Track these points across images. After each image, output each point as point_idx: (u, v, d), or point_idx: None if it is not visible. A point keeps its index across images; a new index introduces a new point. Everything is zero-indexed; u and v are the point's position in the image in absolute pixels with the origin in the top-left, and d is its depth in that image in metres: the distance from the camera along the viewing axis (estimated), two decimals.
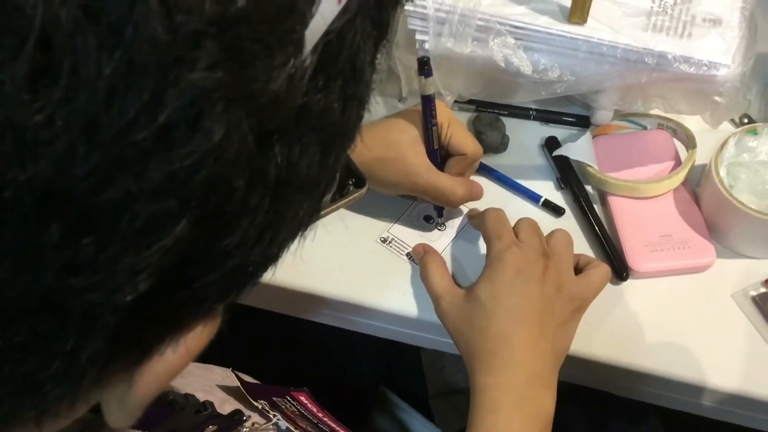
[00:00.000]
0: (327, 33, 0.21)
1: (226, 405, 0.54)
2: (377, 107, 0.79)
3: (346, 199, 0.34)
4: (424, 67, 0.63)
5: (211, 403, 0.50)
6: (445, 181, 0.67)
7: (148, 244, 0.19)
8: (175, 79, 0.17)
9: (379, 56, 0.24)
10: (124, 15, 0.16)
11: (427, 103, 0.65)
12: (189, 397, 0.48)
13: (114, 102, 0.17)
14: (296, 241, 0.25)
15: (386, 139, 0.66)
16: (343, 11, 0.21)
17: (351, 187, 0.35)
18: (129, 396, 0.25)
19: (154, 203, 0.18)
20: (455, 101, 0.78)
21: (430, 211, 0.73)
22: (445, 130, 0.67)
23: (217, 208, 0.20)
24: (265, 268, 0.25)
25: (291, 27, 0.19)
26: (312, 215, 0.25)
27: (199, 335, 0.25)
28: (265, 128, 0.20)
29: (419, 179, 0.66)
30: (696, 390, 0.64)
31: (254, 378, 0.66)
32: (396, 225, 0.72)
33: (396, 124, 0.68)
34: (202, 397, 0.52)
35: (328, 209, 0.29)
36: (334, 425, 0.62)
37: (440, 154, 0.68)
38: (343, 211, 0.72)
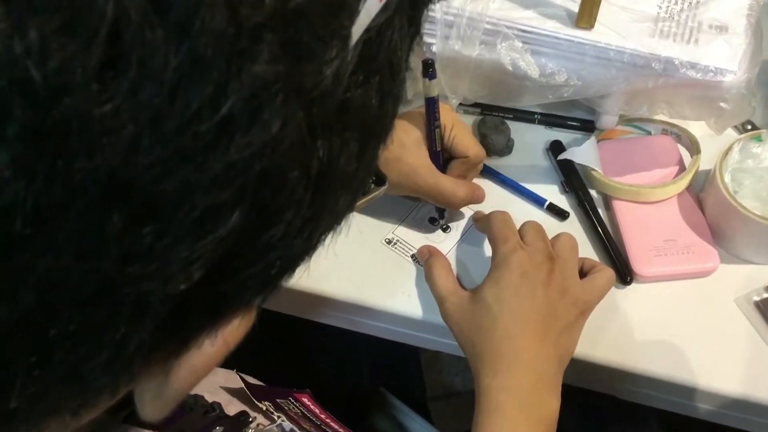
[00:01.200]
0: (368, 30, 0.21)
1: (231, 406, 0.54)
2: None
3: (368, 197, 0.34)
4: (428, 69, 0.63)
5: (219, 404, 0.50)
6: (446, 183, 0.67)
7: (203, 234, 0.19)
8: (237, 71, 0.18)
9: (413, 54, 0.25)
10: (191, 9, 0.17)
11: (431, 105, 0.65)
12: (198, 398, 0.48)
13: (179, 94, 0.17)
14: (330, 236, 0.26)
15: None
16: (384, 9, 0.21)
17: (372, 185, 0.35)
18: (165, 388, 0.25)
19: (212, 194, 0.19)
20: (461, 104, 0.78)
21: (435, 213, 0.73)
22: (449, 132, 0.68)
23: (267, 200, 0.20)
24: (302, 262, 0.25)
25: (341, 22, 0.20)
26: (349, 209, 0.25)
27: (237, 328, 0.25)
28: (313, 122, 0.20)
29: (421, 180, 0.67)
30: (698, 394, 0.64)
31: (255, 379, 0.66)
32: (401, 227, 0.72)
33: (399, 126, 0.68)
34: (208, 398, 0.52)
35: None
36: (337, 427, 0.62)
37: (443, 157, 0.68)
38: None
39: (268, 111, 0.19)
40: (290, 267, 0.25)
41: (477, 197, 0.70)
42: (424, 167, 0.67)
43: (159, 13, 0.16)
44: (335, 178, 0.23)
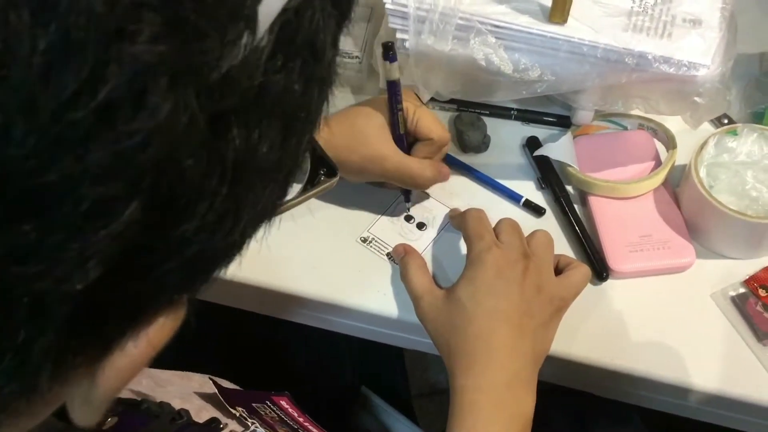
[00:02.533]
0: (284, 11, 0.20)
1: (203, 413, 0.53)
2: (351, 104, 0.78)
3: (317, 189, 0.33)
4: (388, 51, 0.63)
5: (187, 411, 0.49)
6: (412, 164, 0.67)
7: (95, 229, 0.18)
8: (116, 53, 0.17)
9: (342, 37, 0.24)
10: None
11: (393, 87, 0.66)
12: (164, 406, 0.47)
13: (51, 79, 0.16)
14: (262, 230, 0.25)
15: (353, 126, 0.67)
16: None
17: (322, 177, 0.34)
18: (92, 393, 0.24)
19: (100, 186, 0.18)
20: (436, 101, 0.78)
21: (411, 212, 0.72)
22: (411, 115, 0.68)
23: (170, 191, 0.19)
24: (228, 258, 0.24)
25: (240, 1, 0.19)
26: (276, 202, 0.24)
27: (161, 328, 0.24)
28: (219, 108, 0.19)
29: (387, 163, 0.67)
30: (676, 390, 0.64)
31: (235, 381, 0.65)
32: (376, 225, 0.72)
33: (362, 111, 0.68)
34: (178, 405, 0.51)
35: (299, 199, 0.28)
36: (315, 430, 0.61)
37: (407, 140, 0.68)
38: (323, 211, 0.71)
39: (153, 95, 0.18)
40: (214, 263, 0.24)
41: (443, 175, 0.70)
42: (389, 151, 0.67)
43: None
44: (255, 169, 0.22)
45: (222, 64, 0.19)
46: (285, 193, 0.25)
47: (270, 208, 0.24)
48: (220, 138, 0.20)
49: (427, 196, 0.73)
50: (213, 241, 0.22)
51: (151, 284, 0.22)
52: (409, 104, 0.67)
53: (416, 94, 0.71)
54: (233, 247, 0.24)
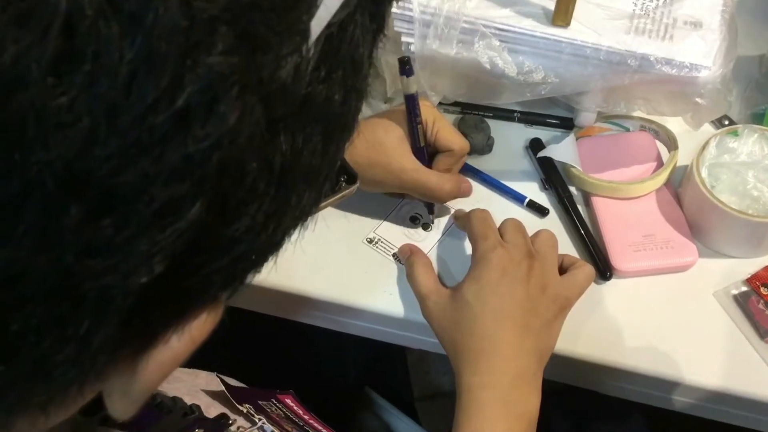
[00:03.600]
0: (329, 25, 0.21)
1: (211, 409, 0.54)
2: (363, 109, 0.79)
3: (339, 195, 0.34)
4: (405, 66, 0.64)
5: (198, 407, 0.50)
6: (431, 178, 0.67)
7: (163, 226, 0.19)
8: (192, 64, 0.18)
9: (376, 50, 0.25)
10: (145, 2, 0.17)
11: (410, 101, 0.66)
12: (176, 400, 0.48)
13: (134, 86, 0.17)
14: (297, 232, 0.26)
15: (372, 139, 0.67)
16: (344, 5, 0.22)
17: (343, 184, 0.35)
18: (133, 385, 0.25)
19: (171, 186, 0.19)
20: (441, 103, 0.79)
21: (416, 212, 0.73)
22: (431, 127, 0.68)
23: (228, 192, 0.21)
24: (268, 257, 0.26)
25: (298, 16, 0.20)
26: (313, 205, 0.26)
27: (203, 323, 0.25)
28: (272, 115, 0.21)
29: (406, 176, 0.67)
30: (679, 387, 0.65)
31: (240, 380, 0.66)
32: (382, 226, 0.72)
33: (381, 124, 0.68)
34: (188, 401, 0.52)
35: (322, 205, 0.29)
36: (320, 427, 0.62)
37: (427, 152, 0.69)
38: (329, 213, 0.72)
39: (224, 103, 0.19)
40: (256, 262, 0.25)
41: (464, 190, 0.70)
42: (408, 163, 0.67)
43: (113, 6, 0.17)
44: (299, 173, 0.23)
45: (279, 74, 0.20)
46: (321, 198, 0.26)
47: (307, 210, 0.26)
48: (270, 143, 0.21)
49: (448, 209, 0.73)
50: (258, 240, 0.23)
51: (200, 281, 0.23)
52: (428, 115, 0.68)
53: (428, 99, 0.71)
54: (274, 247, 0.25)
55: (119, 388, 0.25)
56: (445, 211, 0.73)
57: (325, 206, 0.31)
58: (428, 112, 0.68)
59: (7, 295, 0.18)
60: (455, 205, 0.73)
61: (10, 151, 0.16)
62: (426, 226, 0.73)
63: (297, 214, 0.25)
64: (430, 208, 0.72)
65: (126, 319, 0.21)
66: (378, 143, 0.67)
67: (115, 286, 0.20)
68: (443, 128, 0.68)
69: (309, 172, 0.24)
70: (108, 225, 0.18)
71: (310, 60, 0.21)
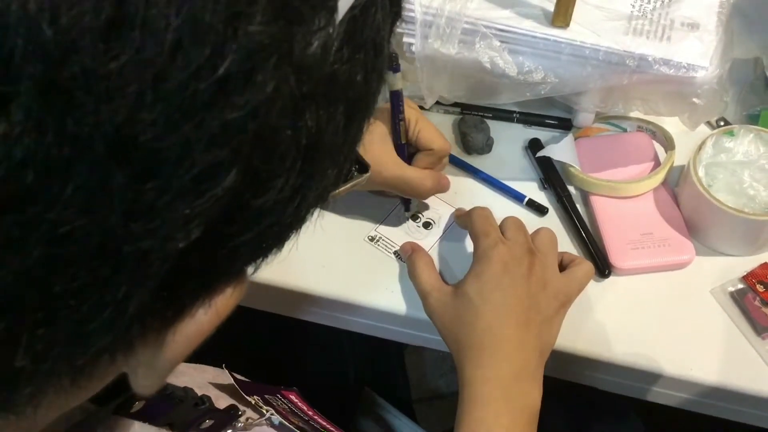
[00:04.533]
0: (353, 7, 0.22)
1: (220, 401, 0.55)
2: None
3: (352, 183, 0.35)
4: (392, 62, 0.64)
5: (209, 398, 0.50)
6: (412, 174, 0.68)
7: (202, 192, 0.20)
8: (233, 33, 0.19)
9: (394, 34, 0.26)
10: None
11: (395, 98, 0.67)
12: (188, 391, 0.48)
13: (179, 53, 0.18)
14: (317, 212, 0.27)
15: None
16: None
17: (355, 173, 0.36)
18: (158, 358, 0.26)
19: (210, 152, 0.20)
20: (441, 104, 0.80)
21: (417, 210, 0.74)
22: (413, 125, 0.69)
23: (260, 163, 0.21)
24: (291, 233, 0.26)
25: None
26: (334, 184, 0.26)
27: (229, 297, 0.26)
28: (301, 90, 0.21)
29: (387, 173, 0.68)
30: (676, 383, 0.66)
31: (242, 377, 0.67)
32: (383, 224, 0.73)
33: None
34: (197, 392, 0.52)
35: (337, 192, 0.30)
36: (325, 423, 0.63)
37: (408, 150, 0.70)
38: (331, 211, 0.73)
39: (262, 72, 0.20)
40: (281, 237, 0.26)
41: (443, 186, 0.71)
42: (390, 160, 0.68)
43: None
44: (323, 149, 0.24)
45: (308, 49, 0.21)
46: (341, 178, 0.27)
47: (329, 189, 0.26)
48: (299, 118, 0.22)
49: (427, 206, 0.74)
50: (284, 215, 0.24)
51: (229, 253, 0.24)
52: (410, 114, 0.68)
53: (419, 105, 0.72)
54: (297, 223, 0.26)
55: (145, 362, 0.26)
56: (442, 211, 0.74)
57: (339, 193, 0.32)
58: (411, 110, 0.69)
59: (52, 256, 0.19)
60: (455, 203, 0.74)
61: (62, 114, 0.17)
62: (427, 225, 0.73)
63: (320, 191, 0.25)
64: (407, 205, 0.73)
65: (158, 289, 0.22)
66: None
67: (154, 250, 0.20)
68: (425, 127, 0.69)
69: (332, 150, 0.24)
70: (151, 188, 0.19)
71: (335, 39, 0.22)
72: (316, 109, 0.22)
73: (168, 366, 0.26)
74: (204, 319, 0.25)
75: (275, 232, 0.25)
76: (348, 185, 0.35)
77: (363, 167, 0.36)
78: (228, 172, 0.20)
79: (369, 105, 0.26)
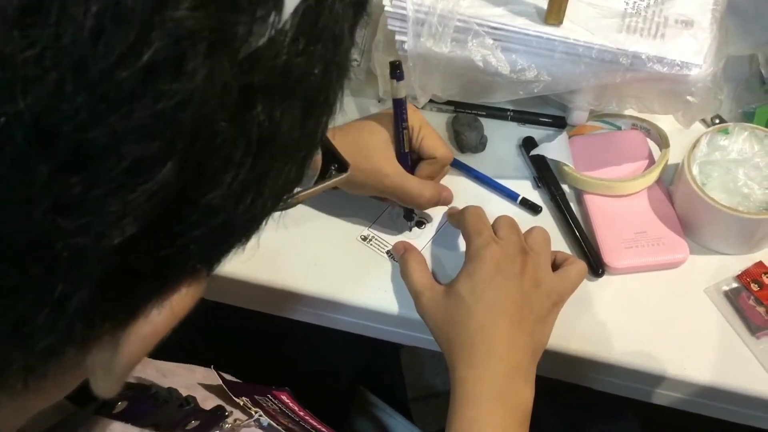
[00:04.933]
0: None
1: (208, 402, 0.54)
2: (351, 111, 0.80)
3: (329, 182, 0.34)
4: (396, 70, 0.64)
5: (194, 398, 0.50)
6: (413, 184, 0.67)
7: (134, 186, 0.19)
8: (160, 18, 0.18)
9: (359, 27, 0.25)
10: None
11: (399, 106, 0.66)
12: (172, 392, 0.48)
13: (101, 40, 0.17)
14: (278, 213, 0.26)
15: (357, 140, 0.67)
16: None
17: (333, 172, 0.35)
18: (115, 361, 0.25)
19: (140, 144, 0.19)
20: (434, 102, 0.79)
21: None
22: (417, 133, 0.68)
23: (203, 157, 0.21)
24: (248, 232, 0.26)
25: None
26: (294, 182, 0.26)
27: (184, 297, 0.25)
28: (247, 82, 0.21)
29: (387, 181, 0.67)
30: (671, 383, 0.65)
31: (234, 378, 0.66)
32: (376, 223, 0.73)
33: (367, 127, 0.69)
34: (184, 393, 0.52)
35: (311, 191, 0.30)
36: (316, 423, 0.62)
37: (411, 158, 0.69)
38: (323, 210, 0.73)
39: (191, 60, 0.19)
40: (235, 235, 0.25)
41: (444, 198, 0.70)
42: (391, 168, 0.67)
43: None
44: (277, 146, 0.23)
45: (251, 40, 0.20)
46: (302, 176, 0.26)
47: (288, 187, 0.26)
48: (246, 111, 0.21)
49: (430, 217, 0.73)
50: (236, 212, 0.23)
51: (178, 251, 0.23)
52: (414, 122, 0.68)
53: (413, 103, 0.71)
54: (253, 222, 0.25)
55: (102, 364, 0.26)
56: (426, 217, 0.74)
57: (315, 193, 0.31)
58: (415, 118, 0.68)
59: None
60: (434, 209, 0.73)
61: None
62: (420, 224, 0.73)
63: (278, 189, 0.25)
64: (409, 215, 0.72)
65: (104, 288, 0.21)
66: (363, 146, 0.67)
67: (87, 246, 0.20)
68: (428, 135, 0.69)
69: (288, 146, 0.24)
70: (78, 182, 0.18)
71: (287, 31, 0.21)
72: (269, 102, 0.22)
73: (125, 367, 0.26)
74: (158, 319, 0.25)
75: (228, 230, 0.24)
76: (326, 184, 0.34)
77: (342, 166, 0.35)
78: (162, 165, 0.20)
79: (329, 99, 0.25)
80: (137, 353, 0.26)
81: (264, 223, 0.26)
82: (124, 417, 0.43)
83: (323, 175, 0.34)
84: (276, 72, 0.21)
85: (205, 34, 0.19)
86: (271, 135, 0.22)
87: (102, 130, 0.18)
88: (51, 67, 0.17)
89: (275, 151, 0.23)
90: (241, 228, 0.25)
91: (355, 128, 0.69)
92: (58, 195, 0.18)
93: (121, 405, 0.43)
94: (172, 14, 0.18)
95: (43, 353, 0.22)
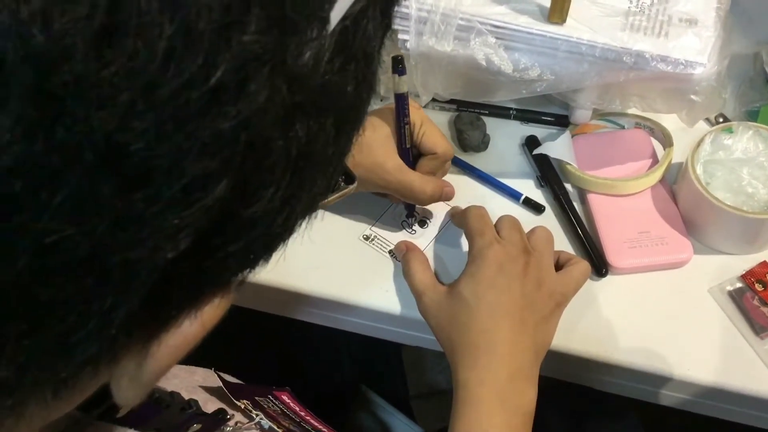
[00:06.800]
0: (344, 18, 0.22)
1: (209, 404, 0.54)
2: None
3: (337, 194, 0.35)
4: (398, 65, 0.64)
5: (196, 402, 0.50)
6: (414, 179, 0.67)
7: (191, 202, 0.20)
8: (227, 42, 0.18)
9: (384, 45, 0.25)
10: None
11: (400, 101, 0.66)
12: (174, 395, 0.48)
13: (172, 62, 0.18)
14: (305, 222, 0.26)
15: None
16: (358, 0, 0.22)
17: (342, 183, 0.35)
18: (142, 370, 0.25)
19: (201, 162, 0.19)
20: (436, 101, 0.79)
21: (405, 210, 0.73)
22: (418, 129, 0.68)
23: (250, 173, 0.21)
24: (279, 244, 0.26)
25: (321, 4, 0.21)
26: (323, 194, 0.26)
27: (215, 308, 0.26)
28: (293, 101, 0.21)
29: (389, 176, 0.67)
30: (674, 383, 0.65)
31: (236, 377, 0.66)
32: (378, 223, 0.72)
33: (368, 122, 0.68)
34: (186, 396, 0.52)
35: (324, 202, 0.30)
36: (317, 424, 0.62)
37: (412, 153, 0.69)
38: (325, 210, 0.72)
39: (255, 82, 0.19)
40: (269, 248, 0.25)
41: (446, 194, 0.70)
42: (392, 163, 0.67)
43: None
44: (313, 160, 0.23)
45: (301, 59, 0.21)
46: (330, 189, 0.27)
47: (318, 199, 0.26)
48: (289, 129, 0.22)
49: (430, 212, 0.73)
50: (273, 225, 0.24)
51: (216, 263, 0.23)
52: (415, 117, 0.68)
53: (416, 101, 0.71)
54: (285, 234, 0.26)
55: (129, 372, 0.26)
56: (426, 212, 0.73)
57: (326, 204, 0.31)
58: (416, 113, 0.68)
59: (39, 266, 0.18)
60: (450, 202, 0.73)
61: (53, 121, 0.17)
62: (423, 223, 0.73)
63: (309, 202, 0.25)
64: (410, 210, 0.72)
65: (146, 299, 0.21)
66: (364, 142, 0.67)
67: (141, 260, 0.20)
68: (429, 131, 0.68)
69: (321, 161, 0.24)
70: (140, 198, 0.19)
71: (326, 50, 0.22)
72: (307, 119, 0.22)
73: (152, 378, 0.26)
74: (190, 330, 0.25)
75: (264, 243, 0.25)
76: (335, 196, 0.34)
77: (350, 178, 0.35)
78: (218, 183, 0.20)
79: (359, 116, 0.26)
80: (166, 363, 0.26)
81: (294, 234, 0.27)
82: (128, 422, 0.43)
83: (331, 187, 0.34)
84: (315, 90, 0.22)
85: (268, 57, 0.19)
86: (309, 151, 0.23)
87: (167, 148, 0.19)
88: (124, 87, 0.17)
89: (311, 166, 0.24)
90: (274, 240, 0.25)
91: None
92: (120, 210, 0.19)
93: (124, 409, 0.43)
94: (239, 37, 0.19)
95: (83, 364, 0.22)
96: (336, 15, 0.22)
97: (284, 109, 0.21)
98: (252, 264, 0.26)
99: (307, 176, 0.24)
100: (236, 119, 0.19)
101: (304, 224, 0.26)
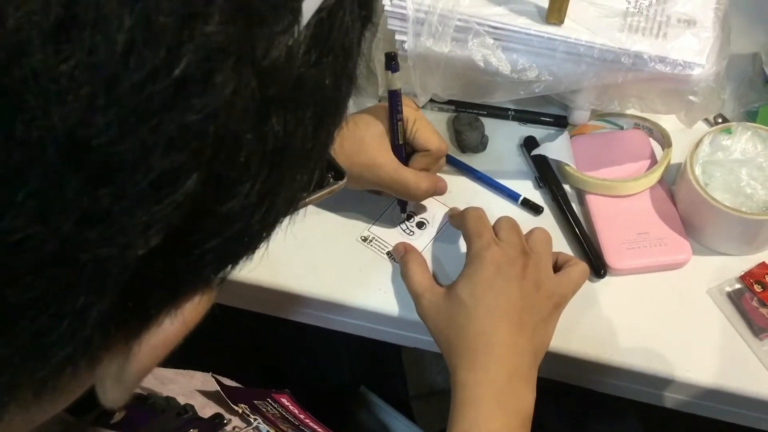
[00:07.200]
0: (319, 10, 0.22)
1: (206, 409, 0.54)
2: (350, 109, 0.79)
3: (326, 191, 0.34)
4: (391, 61, 0.64)
5: (192, 406, 0.50)
6: (408, 176, 0.67)
7: (160, 198, 0.20)
8: (190, 34, 0.18)
9: (365, 38, 0.25)
10: None
11: (393, 98, 0.66)
12: (170, 400, 0.48)
13: (132, 56, 0.17)
14: (288, 218, 0.26)
15: (352, 134, 0.67)
16: None
17: (330, 180, 0.35)
18: (126, 370, 0.25)
19: (168, 156, 0.19)
20: (434, 101, 0.79)
21: (411, 210, 0.73)
22: (411, 125, 0.68)
23: (223, 168, 0.21)
24: (259, 241, 0.26)
25: None
26: (304, 190, 0.26)
27: (196, 306, 0.25)
28: (265, 94, 0.21)
29: (383, 173, 0.67)
30: (673, 385, 0.65)
31: (235, 380, 0.66)
32: (376, 224, 0.72)
33: (362, 120, 0.68)
34: (183, 401, 0.52)
35: (309, 200, 0.30)
36: (316, 426, 0.62)
37: (405, 150, 0.69)
38: (323, 211, 0.72)
39: (220, 74, 0.19)
40: (249, 245, 0.25)
41: (439, 188, 0.70)
42: (386, 160, 0.67)
43: None
44: (291, 155, 0.23)
45: (272, 52, 0.20)
46: (310, 185, 0.26)
47: (298, 196, 0.26)
48: (263, 123, 0.21)
49: (424, 208, 0.74)
50: (251, 221, 0.23)
51: (194, 261, 0.23)
52: (409, 114, 0.68)
53: (413, 101, 0.71)
54: (265, 231, 0.25)
55: (112, 373, 0.25)
56: (419, 208, 0.73)
57: (313, 201, 0.31)
58: (409, 110, 0.68)
59: (4, 265, 0.18)
60: (448, 203, 0.73)
61: (11, 118, 0.17)
62: (421, 225, 0.73)
63: (289, 198, 0.25)
64: (403, 207, 0.72)
65: (121, 298, 0.21)
66: (358, 139, 0.67)
67: (111, 257, 0.20)
68: (423, 128, 0.69)
69: (301, 155, 0.24)
70: (106, 194, 0.18)
71: (301, 43, 0.21)
72: (283, 113, 0.22)
73: (135, 377, 0.26)
74: (171, 328, 0.25)
75: (243, 240, 0.24)
76: (323, 192, 0.34)
77: (339, 174, 0.35)
78: (188, 177, 0.20)
79: (339, 109, 0.25)
80: (149, 363, 0.26)
81: (273, 232, 0.26)
82: (122, 427, 0.42)
83: (320, 184, 0.34)
84: (290, 83, 0.22)
85: (233, 49, 0.19)
86: (285, 145, 0.23)
87: (131, 143, 0.18)
88: (84, 81, 0.17)
89: (289, 161, 0.23)
90: (254, 237, 0.25)
91: (350, 122, 0.68)
92: (86, 207, 0.18)
93: (119, 415, 0.42)
94: (202, 29, 0.18)
95: (60, 364, 0.22)
96: (309, 7, 0.21)
97: (255, 102, 0.20)
98: (232, 261, 0.25)
99: (285, 171, 0.24)
100: (203, 112, 0.19)
101: (286, 221, 0.26)
